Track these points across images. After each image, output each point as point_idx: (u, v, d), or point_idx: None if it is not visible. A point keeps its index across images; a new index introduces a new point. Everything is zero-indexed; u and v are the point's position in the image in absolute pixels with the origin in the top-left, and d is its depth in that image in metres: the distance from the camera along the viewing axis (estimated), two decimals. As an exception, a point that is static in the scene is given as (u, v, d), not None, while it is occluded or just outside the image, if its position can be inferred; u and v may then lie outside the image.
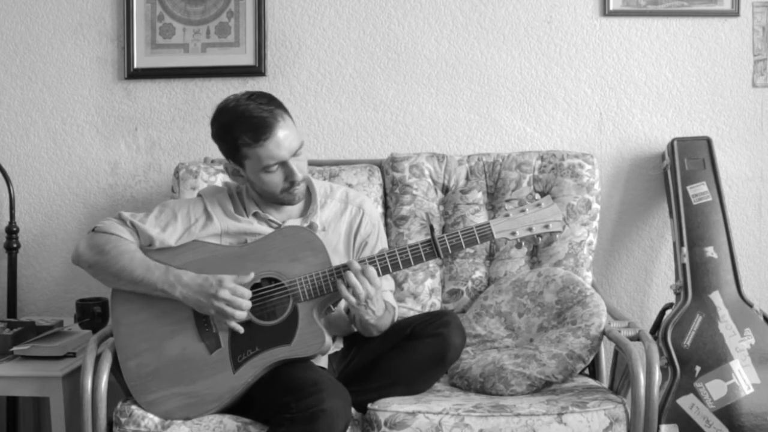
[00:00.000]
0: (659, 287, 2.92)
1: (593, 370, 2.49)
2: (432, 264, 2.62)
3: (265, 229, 2.18)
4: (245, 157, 2.11)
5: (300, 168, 2.12)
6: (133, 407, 2.07)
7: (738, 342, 2.56)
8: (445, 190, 2.69)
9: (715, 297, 2.62)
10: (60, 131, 2.95)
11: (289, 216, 2.23)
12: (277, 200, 2.18)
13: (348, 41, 2.90)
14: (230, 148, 2.13)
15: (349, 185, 2.63)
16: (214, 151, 2.86)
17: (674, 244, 2.76)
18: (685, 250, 2.67)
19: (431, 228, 2.13)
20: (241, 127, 2.08)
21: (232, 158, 2.15)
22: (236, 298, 2.03)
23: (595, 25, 2.88)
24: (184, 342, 2.08)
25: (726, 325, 2.58)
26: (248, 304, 2.04)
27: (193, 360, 2.07)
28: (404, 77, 2.91)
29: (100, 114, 2.95)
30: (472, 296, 2.61)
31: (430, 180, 2.68)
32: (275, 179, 2.12)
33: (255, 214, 2.20)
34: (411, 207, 2.64)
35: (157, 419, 2.04)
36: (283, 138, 2.08)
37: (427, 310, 2.57)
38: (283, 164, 2.10)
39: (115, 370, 2.11)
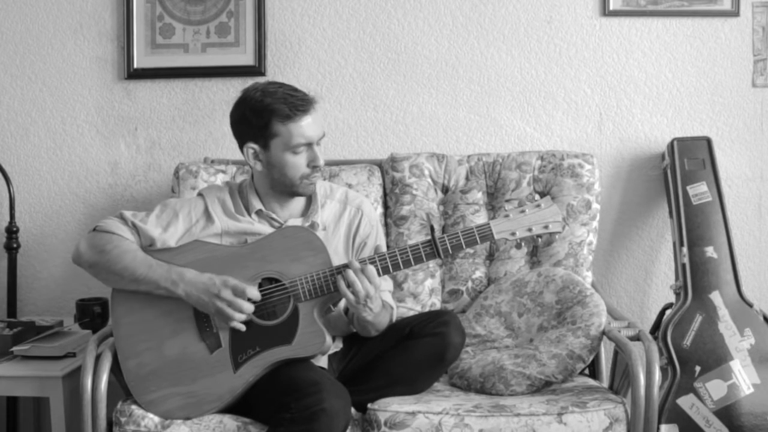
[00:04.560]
0: (659, 287, 2.92)
1: (593, 370, 2.49)
2: (432, 264, 2.62)
3: (266, 229, 2.18)
4: (274, 135, 2.11)
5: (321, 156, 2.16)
6: (133, 407, 2.07)
7: (738, 342, 2.56)
8: (445, 190, 2.69)
9: (715, 297, 2.62)
10: (60, 131, 2.96)
11: (291, 215, 2.23)
12: (294, 187, 2.17)
13: (348, 41, 2.90)
14: (259, 124, 2.12)
15: (349, 185, 2.63)
16: (214, 151, 2.88)
17: (674, 244, 2.76)
18: (685, 250, 2.67)
19: (431, 228, 2.13)
20: (279, 100, 2.11)
21: (256, 139, 2.14)
22: (237, 300, 2.03)
23: (595, 25, 2.88)
24: (185, 342, 2.08)
25: (726, 325, 2.58)
26: (250, 306, 2.04)
27: (193, 360, 2.07)
28: (404, 77, 2.91)
29: (100, 114, 2.95)
30: (472, 296, 2.61)
31: (430, 180, 2.68)
32: (299, 161, 2.13)
33: (258, 212, 2.20)
34: (411, 207, 2.64)
35: (157, 419, 2.05)
36: (314, 121, 2.13)
37: (427, 310, 2.57)
38: (310, 147, 2.13)
39: (115, 369, 2.11)
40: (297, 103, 2.11)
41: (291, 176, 2.15)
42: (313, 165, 2.14)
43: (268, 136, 2.12)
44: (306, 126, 2.11)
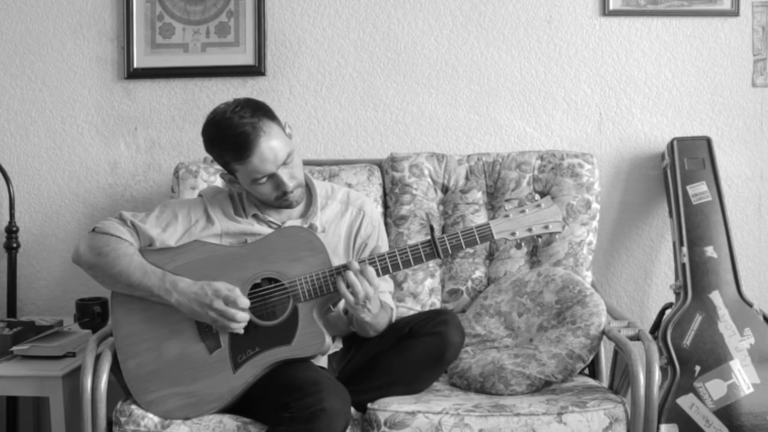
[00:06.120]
0: (659, 287, 2.92)
1: (593, 370, 2.49)
2: (432, 264, 2.62)
3: (266, 230, 2.18)
4: (234, 171, 2.13)
5: (292, 175, 2.12)
6: (133, 407, 2.07)
7: (738, 342, 2.56)
8: (445, 189, 2.69)
9: (715, 297, 2.62)
10: (60, 131, 2.96)
11: (289, 217, 2.23)
12: (274, 206, 2.19)
13: (348, 41, 2.90)
14: (220, 162, 2.15)
15: (349, 185, 2.63)
16: (214, 151, 2.88)
17: (674, 243, 2.76)
18: (684, 249, 2.67)
19: (431, 228, 2.13)
20: (224, 145, 2.09)
21: (224, 168, 2.17)
22: (229, 310, 2.02)
23: (594, 24, 2.88)
24: (184, 342, 2.08)
25: (726, 325, 2.58)
26: (243, 315, 2.03)
27: (193, 360, 2.07)
28: (404, 77, 2.91)
29: (100, 114, 2.95)
30: (471, 296, 2.61)
31: (429, 180, 2.68)
32: (266, 189, 2.13)
33: (255, 216, 2.21)
34: (411, 207, 2.64)
35: (156, 419, 2.05)
36: (268, 151, 2.06)
37: (426, 309, 2.57)
38: (272, 176, 2.10)
39: (115, 369, 2.11)
40: (240, 145, 2.05)
41: (265, 199, 2.17)
42: (282, 190, 2.13)
43: (231, 170, 2.14)
44: (258, 163, 2.06)
